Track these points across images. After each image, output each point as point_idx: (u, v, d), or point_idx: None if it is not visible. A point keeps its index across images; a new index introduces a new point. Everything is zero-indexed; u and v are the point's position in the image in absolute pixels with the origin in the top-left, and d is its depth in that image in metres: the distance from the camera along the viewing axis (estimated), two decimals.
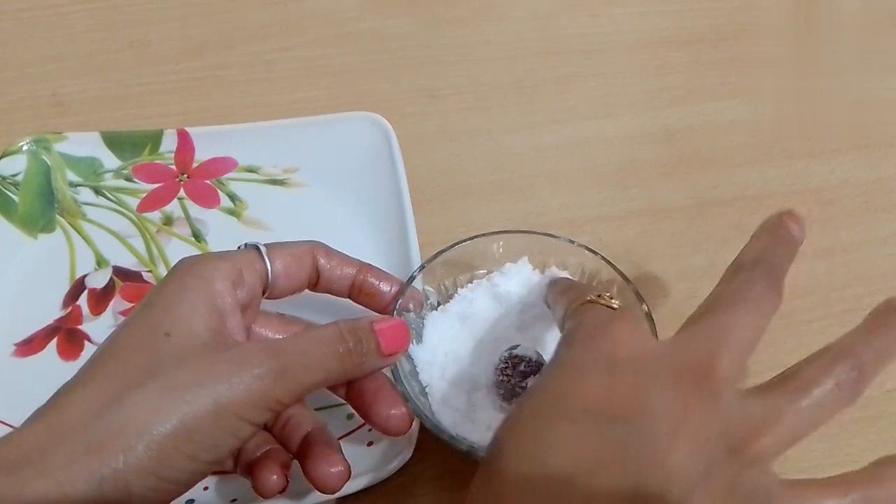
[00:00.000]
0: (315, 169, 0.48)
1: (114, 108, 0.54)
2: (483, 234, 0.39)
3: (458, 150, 0.52)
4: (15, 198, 0.46)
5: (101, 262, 0.45)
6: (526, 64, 0.58)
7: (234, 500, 0.35)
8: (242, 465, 0.33)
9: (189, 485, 0.28)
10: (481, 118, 0.54)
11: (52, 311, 0.42)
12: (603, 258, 0.37)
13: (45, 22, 0.61)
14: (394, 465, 0.34)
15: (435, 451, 0.36)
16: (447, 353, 0.37)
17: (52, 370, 0.40)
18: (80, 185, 0.48)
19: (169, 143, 0.49)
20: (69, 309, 0.43)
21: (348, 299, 0.37)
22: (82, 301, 0.43)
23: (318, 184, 0.48)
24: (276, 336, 0.35)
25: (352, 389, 0.34)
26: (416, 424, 0.34)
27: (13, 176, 0.46)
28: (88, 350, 0.41)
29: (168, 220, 0.47)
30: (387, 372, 0.34)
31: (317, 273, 0.36)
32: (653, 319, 0.34)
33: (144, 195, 0.48)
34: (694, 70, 0.58)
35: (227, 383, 0.27)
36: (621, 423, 0.25)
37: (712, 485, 0.23)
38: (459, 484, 0.37)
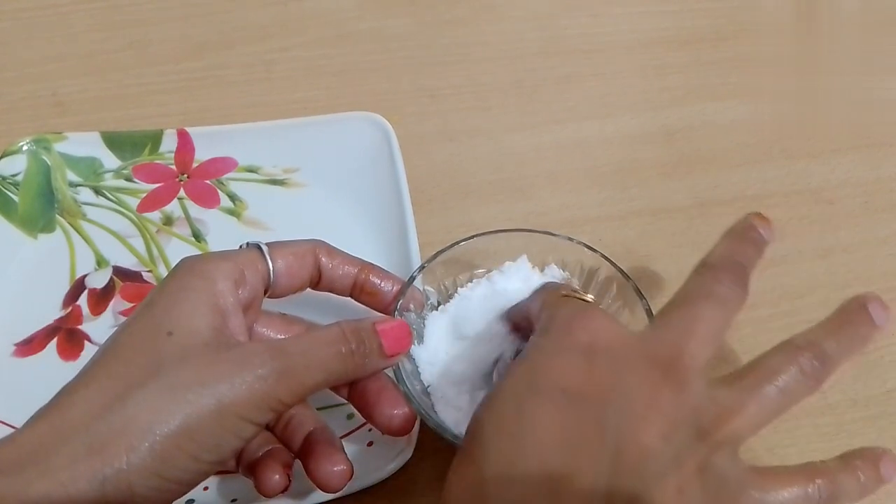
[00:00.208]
0: (315, 169, 0.48)
1: (114, 108, 0.54)
2: (483, 234, 0.39)
3: (458, 150, 0.52)
4: (15, 198, 0.46)
5: (101, 262, 0.45)
6: (526, 64, 0.58)
7: (234, 500, 0.35)
8: (244, 464, 0.33)
9: (191, 485, 0.28)
10: (481, 118, 0.54)
11: (52, 311, 0.42)
12: (602, 255, 0.38)
13: (45, 22, 0.61)
14: (394, 465, 0.34)
15: (435, 451, 0.36)
16: (448, 352, 0.37)
17: (52, 370, 0.40)
18: (80, 185, 0.48)
19: (169, 143, 0.49)
20: (69, 309, 0.43)
21: (350, 298, 0.37)
22: (82, 301, 0.43)
23: (318, 184, 0.48)
24: (278, 336, 0.35)
25: (354, 390, 0.34)
26: (416, 424, 0.34)
27: (13, 176, 0.46)
28: (88, 350, 0.41)
29: (168, 220, 0.47)
30: (389, 372, 0.34)
31: (318, 272, 0.36)
32: (653, 315, 0.34)
33: (144, 195, 0.48)
34: (694, 70, 0.58)
35: (229, 383, 0.27)
36: (598, 403, 0.26)
37: (683, 467, 0.25)
38: None
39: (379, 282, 0.36)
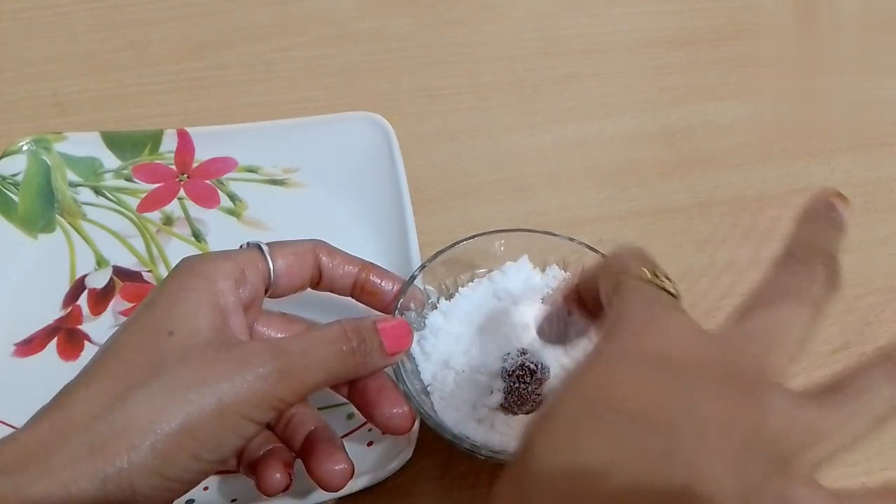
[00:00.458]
0: (315, 169, 0.48)
1: (114, 108, 0.54)
2: (483, 233, 0.39)
3: (458, 150, 0.52)
4: (15, 198, 0.46)
5: (101, 262, 0.45)
6: (526, 64, 0.58)
7: (234, 500, 0.35)
8: (245, 464, 0.33)
9: (193, 484, 0.28)
10: (481, 118, 0.54)
11: (52, 311, 0.42)
12: (603, 256, 0.37)
13: (45, 22, 0.61)
14: (394, 465, 0.34)
15: (435, 450, 0.36)
16: (449, 351, 0.37)
17: (52, 370, 0.40)
18: (80, 185, 0.48)
19: (169, 143, 0.49)
20: (69, 309, 0.43)
21: (350, 298, 0.37)
22: (82, 301, 0.43)
23: (318, 184, 0.48)
24: (279, 335, 0.35)
25: (354, 389, 0.34)
26: (416, 424, 0.34)
27: (13, 176, 0.46)
28: (88, 350, 0.41)
29: (168, 220, 0.47)
30: (389, 371, 0.34)
31: (319, 272, 0.36)
32: None
33: (144, 195, 0.48)
34: (694, 70, 0.58)
35: (230, 382, 0.27)
36: (664, 430, 0.23)
37: (760, 502, 0.22)
38: (459, 484, 0.37)
39: (379, 281, 0.36)
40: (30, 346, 0.41)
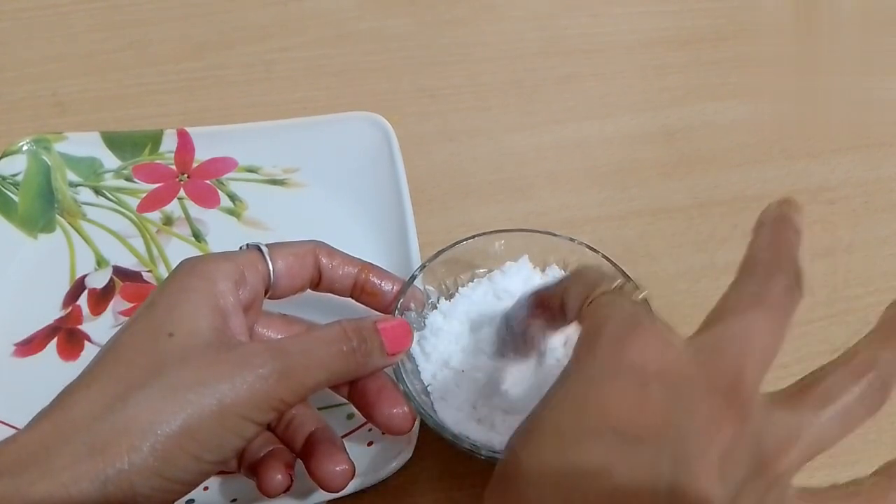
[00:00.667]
0: (315, 169, 0.48)
1: (114, 108, 0.54)
2: (484, 233, 0.39)
3: (458, 150, 0.52)
4: (15, 198, 0.46)
5: (101, 262, 0.45)
6: (526, 64, 0.58)
7: (234, 501, 0.35)
8: (246, 465, 0.33)
9: (193, 485, 0.28)
10: (481, 118, 0.54)
11: (52, 311, 0.42)
12: (603, 256, 0.38)
13: (45, 22, 0.61)
14: (394, 465, 0.34)
15: (435, 451, 0.36)
16: (449, 351, 0.37)
17: (52, 370, 0.40)
18: (80, 185, 0.48)
19: (169, 143, 0.49)
20: (69, 309, 0.43)
21: (350, 299, 0.37)
22: (82, 301, 0.43)
23: (318, 184, 0.48)
24: (279, 336, 0.35)
25: (354, 389, 0.34)
26: (416, 424, 0.34)
27: (13, 176, 0.46)
28: (88, 350, 0.41)
29: (168, 220, 0.47)
30: (388, 371, 0.34)
31: (319, 273, 0.36)
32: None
33: (144, 195, 0.48)
34: (694, 70, 0.58)
35: (230, 383, 0.27)
36: (652, 443, 0.23)
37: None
38: (459, 484, 0.37)
39: (379, 282, 0.36)
40: (30, 346, 0.41)
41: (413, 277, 0.37)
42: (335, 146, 0.48)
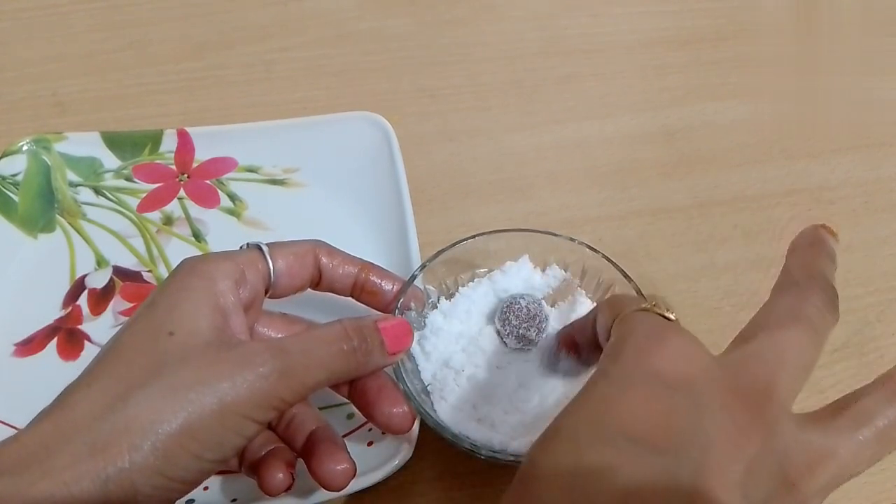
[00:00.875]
0: (315, 169, 0.48)
1: (114, 108, 0.54)
2: (484, 233, 0.39)
3: (458, 150, 0.52)
4: (15, 198, 0.46)
5: (101, 262, 0.45)
6: (526, 64, 0.58)
7: (234, 500, 0.35)
8: (247, 464, 0.33)
9: (194, 483, 0.28)
10: (481, 118, 0.54)
11: (52, 311, 0.42)
12: (603, 256, 0.38)
13: (45, 22, 0.61)
14: (394, 465, 0.34)
15: (435, 450, 0.36)
16: (449, 351, 0.37)
17: (52, 370, 0.40)
18: (80, 185, 0.48)
19: (169, 143, 0.49)
20: (69, 309, 0.43)
21: (350, 298, 0.37)
22: (82, 301, 0.43)
23: (318, 184, 0.48)
24: (279, 335, 0.35)
25: (354, 388, 0.34)
26: (416, 424, 0.34)
27: (13, 176, 0.46)
28: (88, 350, 0.41)
29: (168, 220, 0.47)
30: (389, 371, 0.34)
31: (319, 272, 0.36)
32: None
33: (144, 195, 0.48)
34: (694, 70, 0.58)
35: (230, 382, 0.27)
36: (671, 454, 0.23)
37: None
38: (459, 484, 0.37)
39: (379, 281, 0.36)
40: (30, 346, 0.41)
41: (413, 277, 0.37)
42: (335, 146, 0.48)
